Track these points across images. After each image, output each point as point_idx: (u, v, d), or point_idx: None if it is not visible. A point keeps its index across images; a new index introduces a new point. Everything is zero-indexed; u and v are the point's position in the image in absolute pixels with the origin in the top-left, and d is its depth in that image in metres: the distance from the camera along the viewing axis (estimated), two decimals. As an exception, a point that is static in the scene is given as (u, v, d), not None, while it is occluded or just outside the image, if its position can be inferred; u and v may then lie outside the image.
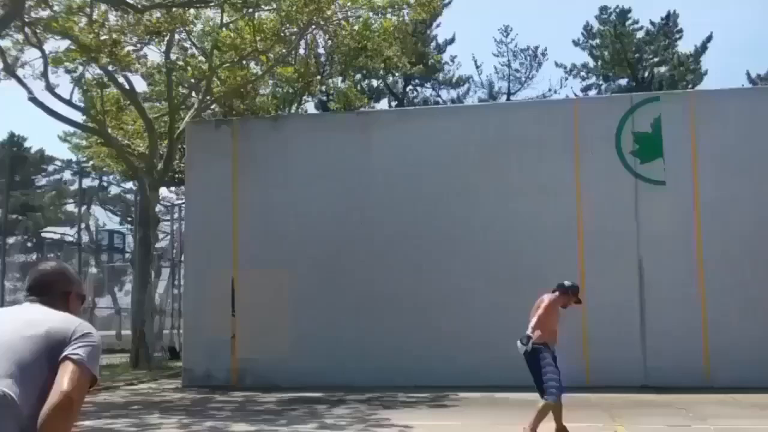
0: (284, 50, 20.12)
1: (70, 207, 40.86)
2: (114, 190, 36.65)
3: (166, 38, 19.08)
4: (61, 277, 2.72)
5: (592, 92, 37.77)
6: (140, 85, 24.38)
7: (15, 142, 42.58)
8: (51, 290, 2.65)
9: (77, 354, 2.32)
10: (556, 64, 40.66)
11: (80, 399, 2.28)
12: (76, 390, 2.25)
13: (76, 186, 35.84)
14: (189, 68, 19.96)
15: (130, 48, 18.57)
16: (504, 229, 14.21)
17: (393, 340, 14.04)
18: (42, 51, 18.50)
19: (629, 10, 37.61)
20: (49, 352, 2.33)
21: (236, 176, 15.52)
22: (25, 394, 2.24)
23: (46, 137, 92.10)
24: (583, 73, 38.60)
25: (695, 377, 12.99)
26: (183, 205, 20.61)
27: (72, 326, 2.42)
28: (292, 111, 25.36)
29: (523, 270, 13.94)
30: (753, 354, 12.93)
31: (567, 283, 8.52)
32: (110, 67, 18.28)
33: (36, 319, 2.44)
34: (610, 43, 37.10)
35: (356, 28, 19.07)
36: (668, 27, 37.56)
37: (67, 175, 42.03)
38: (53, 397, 2.22)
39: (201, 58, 20.59)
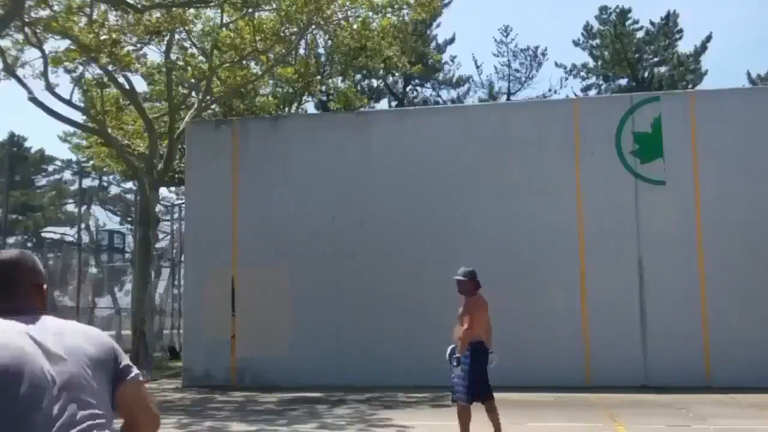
0: (284, 50, 20.11)
1: (70, 207, 40.89)
2: (114, 190, 36.65)
3: (166, 38, 19.06)
4: (31, 268, 2.23)
5: (592, 92, 37.77)
6: (140, 85, 24.40)
7: (15, 142, 42.59)
8: (21, 284, 2.16)
9: (135, 371, 2.12)
10: (556, 64, 40.72)
11: None
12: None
13: (76, 186, 35.85)
14: (189, 68, 19.95)
15: (130, 48, 18.56)
16: (504, 229, 14.21)
17: (393, 340, 14.04)
18: (42, 51, 18.49)
19: (629, 10, 37.63)
20: (108, 373, 2.06)
21: (236, 176, 15.52)
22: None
23: (46, 137, 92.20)
24: (583, 73, 38.60)
25: (695, 377, 13.00)
26: (183, 205, 20.62)
27: (108, 341, 2.13)
28: (292, 111, 25.37)
29: (523, 270, 13.96)
30: (753, 354, 12.94)
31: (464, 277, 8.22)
32: (110, 67, 18.26)
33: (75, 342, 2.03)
34: (610, 43, 37.09)
35: (355, 27, 19.06)
36: (668, 27, 37.55)
37: (67, 175, 42.06)
38: (151, 425, 2.10)
39: (201, 58, 20.58)
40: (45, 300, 2.23)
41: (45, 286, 2.25)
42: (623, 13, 37.58)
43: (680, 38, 37.76)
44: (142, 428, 2.09)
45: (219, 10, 19.44)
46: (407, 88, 36.57)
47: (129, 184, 29.67)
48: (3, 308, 2.07)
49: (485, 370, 7.96)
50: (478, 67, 39.26)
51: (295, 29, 18.94)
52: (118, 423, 2.09)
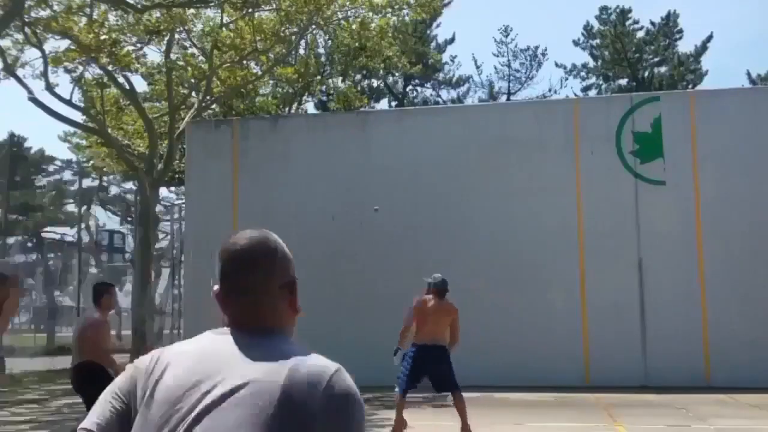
0: (284, 50, 20.13)
1: (70, 207, 40.87)
2: (114, 190, 36.70)
3: (166, 38, 19.07)
4: (273, 258, 1.61)
5: (592, 92, 37.76)
6: (140, 85, 24.43)
7: (15, 142, 42.58)
8: (260, 285, 1.58)
9: None
10: (556, 64, 40.74)
11: None
12: None
13: (76, 186, 35.86)
14: (189, 68, 19.96)
15: (130, 48, 18.57)
16: (504, 229, 14.21)
17: (393, 340, 14.00)
18: (42, 51, 18.50)
19: (629, 10, 37.61)
20: None
21: (236, 176, 15.52)
22: None
23: (46, 137, 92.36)
24: (583, 73, 38.59)
25: (695, 377, 13.00)
26: (183, 205, 20.62)
27: (320, 380, 1.39)
28: (292, 111, 25.38)
29: (523, 270, 13.95)
30: (753, 354, 12.94)
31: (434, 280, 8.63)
32: (110, 67, 18.27)
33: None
34: (610, 43, 37.08)
35: (354, 27, 19.07)
36: (668, 27, 37.55)
37: (67, 175, 42.02)
38: None
39: (201, 58, 20.60)
40: (291, 305, 1.62)
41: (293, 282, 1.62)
42: (623, 13, 37.57)
43: (680, 38, 37.76)
44: None
45: (219, 10, 19.44)
46: (407, 88, 36.56)
47: (129, 184, 29.71)
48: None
49: (428, 368, 8.29)
50: (478, 67, 39.28)
51: (295, 29, 18.96)
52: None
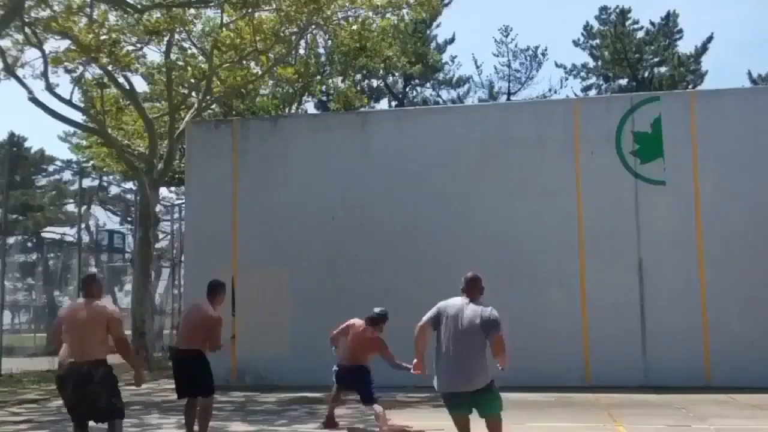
0: (284, 50, 20.13)
1: (70, 207, 40.84)
2: (114, 190, 36.68)
3: (166, 38, 19.08)
4: (478, 281, 6.85)
5: (592, 92, 37.78)
6: (140, 85, 24.42)
7: (15, 142, 42.56)
8: (475, 287, 6.85)
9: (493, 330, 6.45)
10: (556, 64, 40.76)
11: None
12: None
13: (76, 186, 35.80)
14: (189, 68, 19.96)
15: (130, 48, 18.58)
16: (504, 228, 14.21)
17: (393, 340, 14.01)
18: (42, 51, 18.50)
19: (629, 10, 37.64)
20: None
21: (236, 176, 15.52)
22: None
23: (46, 137, 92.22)
24: (583, 73, 38.61)
25: (695, 377, 13.00)
26: (183, 205, 20.63)
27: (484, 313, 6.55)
28: (292, 111, 25.39)
29: (523, 270, 13.95)
30: (753, 354, 12.94)
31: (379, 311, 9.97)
32: (110, 67, 18.27)
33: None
34: (610, 43, 37.10)
35: (354, 27, 19.08)
36: (668, 27, 37.57)
37: (67, 175, 42.02)
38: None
39: (201, 58, 20.60)
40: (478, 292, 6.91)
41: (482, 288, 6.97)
42: (623, 13, 37.59)
43: (680, 38, 37.80)
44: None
45: (219, 10, 19.45)
46: (407, 88, 36.57)
47: (129, 184, 29.73)
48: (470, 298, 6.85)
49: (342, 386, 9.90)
50: (478, 67, 39.22)
51: (295, 29, 18.97)
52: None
